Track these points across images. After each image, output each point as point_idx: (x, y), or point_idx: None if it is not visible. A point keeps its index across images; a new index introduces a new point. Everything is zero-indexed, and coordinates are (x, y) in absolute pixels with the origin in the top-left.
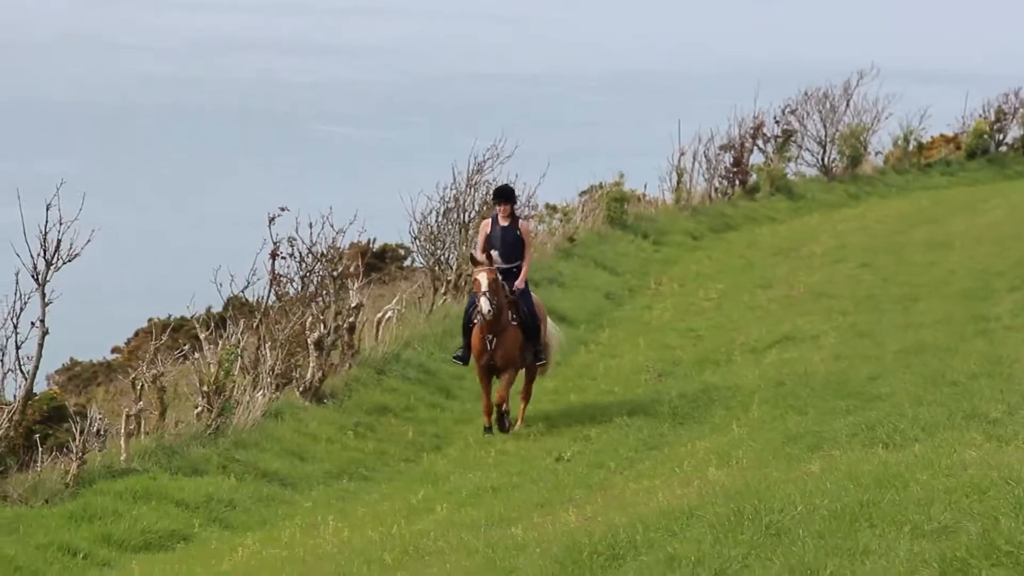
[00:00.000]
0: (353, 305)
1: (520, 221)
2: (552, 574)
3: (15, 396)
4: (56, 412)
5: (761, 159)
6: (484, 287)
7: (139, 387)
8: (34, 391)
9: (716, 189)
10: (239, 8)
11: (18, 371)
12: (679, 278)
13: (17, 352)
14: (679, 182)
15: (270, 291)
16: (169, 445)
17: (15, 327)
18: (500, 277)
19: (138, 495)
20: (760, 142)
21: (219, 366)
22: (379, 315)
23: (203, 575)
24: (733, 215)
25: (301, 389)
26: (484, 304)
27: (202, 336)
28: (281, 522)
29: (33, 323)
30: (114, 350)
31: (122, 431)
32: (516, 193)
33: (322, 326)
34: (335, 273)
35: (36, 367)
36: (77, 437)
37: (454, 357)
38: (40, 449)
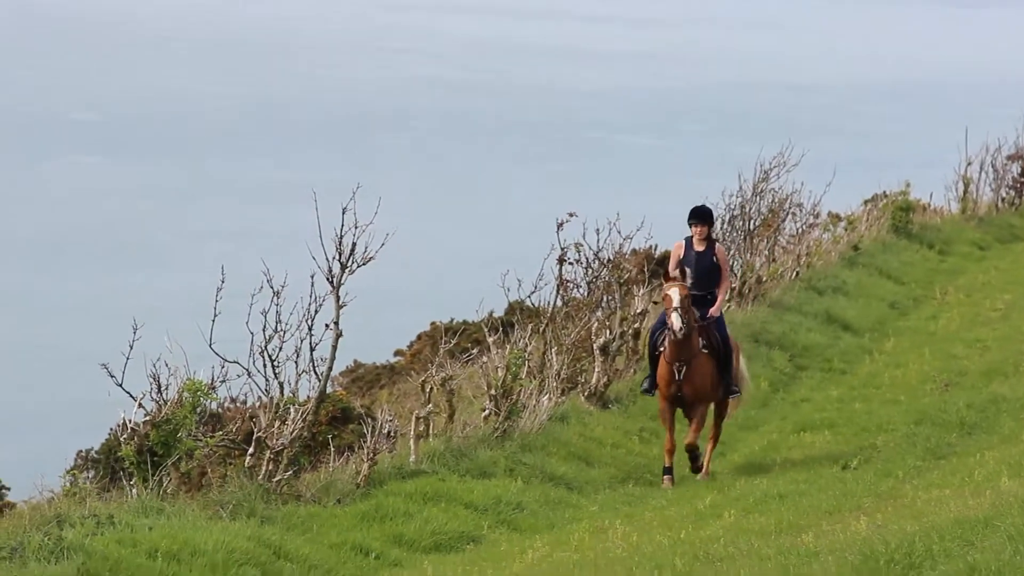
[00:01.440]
0: (638, 311)
1: (717, 245)
2: None
3: (309, 397)
4: (342, 413)
5: None
6: (675, 302)
7: (428, 389)
8: (326, 392)
9: (1003, 199)
10: (506, 12)
11: (312, 372)
12: (965, 288)
13: (311, 354)
14: (965, 192)
15: (557, 296)
16: (457, 447)
17: (310, 329)
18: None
19: (428, 496)
20: None
21: (507, 370)
22: None
23: None
24: (1020, 226)
25: (586, 394)
26: (675, 320)
27: (490, 340)
28: (568, 525)
29: (327, 325)
30: (396, 353)
31: (411, 433)
32: (714, 215)
33: (608, 331)
34: (621, 279)
35: (330, 369)
36: (368, 438)
37: (642, 390)
38: (332, 449)
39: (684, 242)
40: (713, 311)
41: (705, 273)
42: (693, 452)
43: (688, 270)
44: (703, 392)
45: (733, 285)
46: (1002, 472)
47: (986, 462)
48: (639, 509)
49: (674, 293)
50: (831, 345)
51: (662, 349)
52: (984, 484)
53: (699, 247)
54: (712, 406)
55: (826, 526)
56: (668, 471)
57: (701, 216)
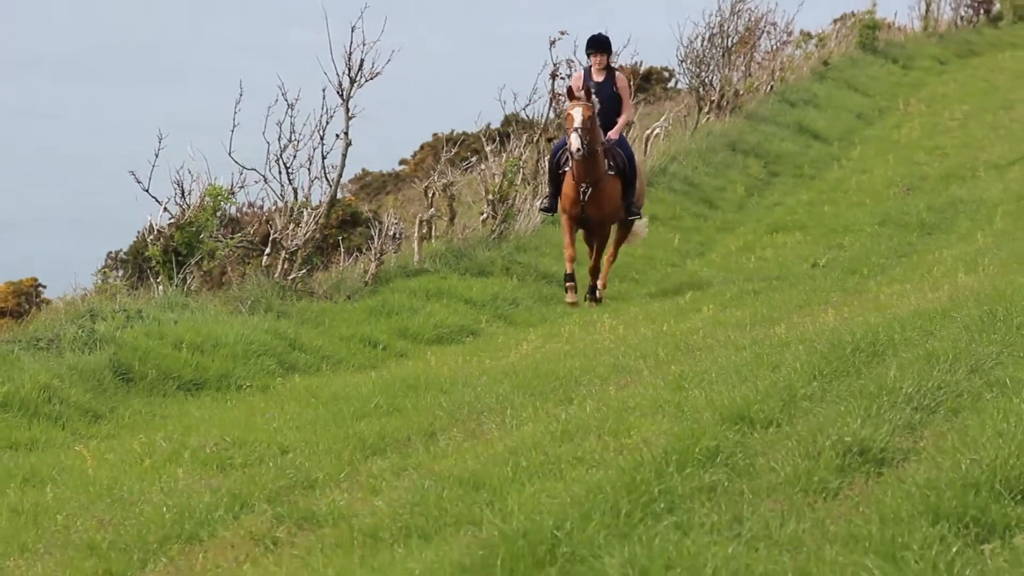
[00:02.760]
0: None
1: (617, 74)
2: (818, 368)
3: (320, 201)
4: (351, 217)
5: None
6: (577, 122)
7: (431, 195)
8: (337, 197)
9: (962, 17)
10: None
11: (323, 179)
12: (926, 100)
13: (323, 161)
14: (927, 10)
15: (550, 108)
16: (457, 248)
17: (321, 139)
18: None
19: (430, 293)
20: None
21: (503, 177)
22: (647, 132)
23: (492, 366)
24: (977, 42)
25: None
26: (574, 140)
27: (487, 149)
28: (559, 319)
29: (337, 135)
30: (401, 162)
31: (415, 235)
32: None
33: None
34: None
35: (340, 175)
36: (375, 239)
37: (541, 208)
38: (342, 250)
39: (583, 72)
40: (612, 134)
41: (606, 101)
42: (596, 275)
43: (594, 94)
44: (609, 213)
45: (632, 120)
46: (959, 268)
47: (944, 259)
48: (625, 304)
49: (576, 113)
50: (802, 153)
51: (567, 168)
52: (942, 279)
53: (598, 76)
54: (613, 229)
55: (797, 319)
56: (570, 278)
57: (599, 45)
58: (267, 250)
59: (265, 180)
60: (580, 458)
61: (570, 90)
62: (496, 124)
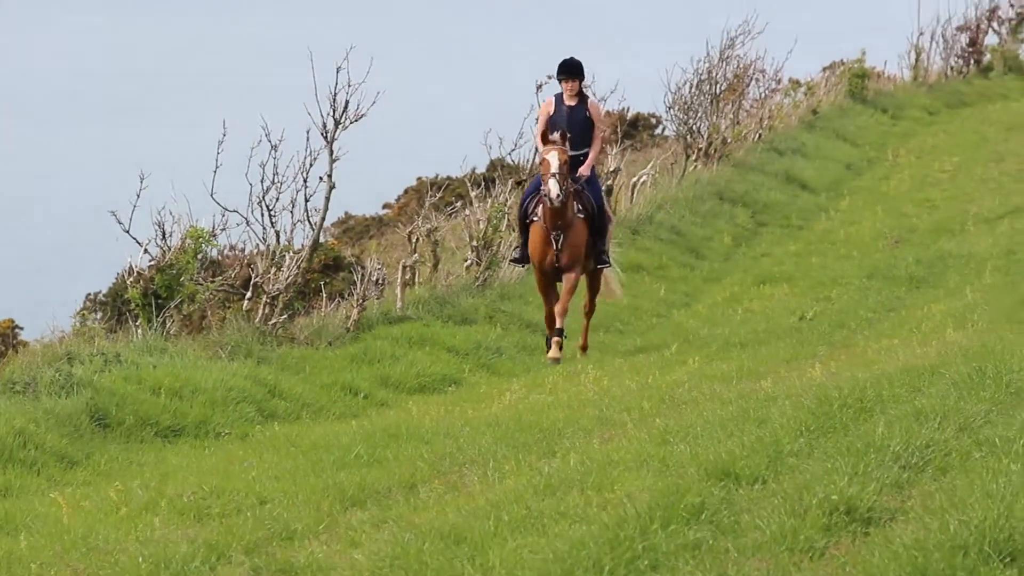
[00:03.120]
0: (611, 169)
1: (589, 100)
2: (805, 424)
3: (303, 245)
4: (334, 262)
5: (996, 40)
6: (553, 168)
7: (414, 240)
8: (319, 241)
9: (952, 68)
10: None
11: (306, 222)
12: (916, 151)
13: (306, 204)
14: (917, 60)
15: (535, 153)
16: (441, 295)
17: (304, 181)
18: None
19: (413, 341)
20: (995, 24)
21: (488, 223)
22: (634, 179)
23: (475, 416)
24: (968, 92)
25: None
26: (552, 187)
27: (472, 194)
28: (543, 370)
29: (321, 178)
30: (385, 206)
31: (398, 280)
32: (583, 68)
33: None
34: None
35: (323, 219)
36: (358, 285)
37: (511, 260)
38: (324, 295)
39: (554, 99)
40: (583, 170)
41: (578, 129)
42: (560, 319)
43: (564, 129)
44: (578, 257)
45: (603, 151)
46: (948, 324)
47: (933, 314)
48: (610, 356)
49: (552, 158)
50: (790, 203)
51: (535, 218)
52: (931, 335)
53: (570, 102)
54: (585, 279)
55: (784, 372)
56: (559, 332)
57: (570, 70)
58: (248, 294)
59: (247, 222)
60: (563, 513)
61: (544, 134)
62: (482, 168)
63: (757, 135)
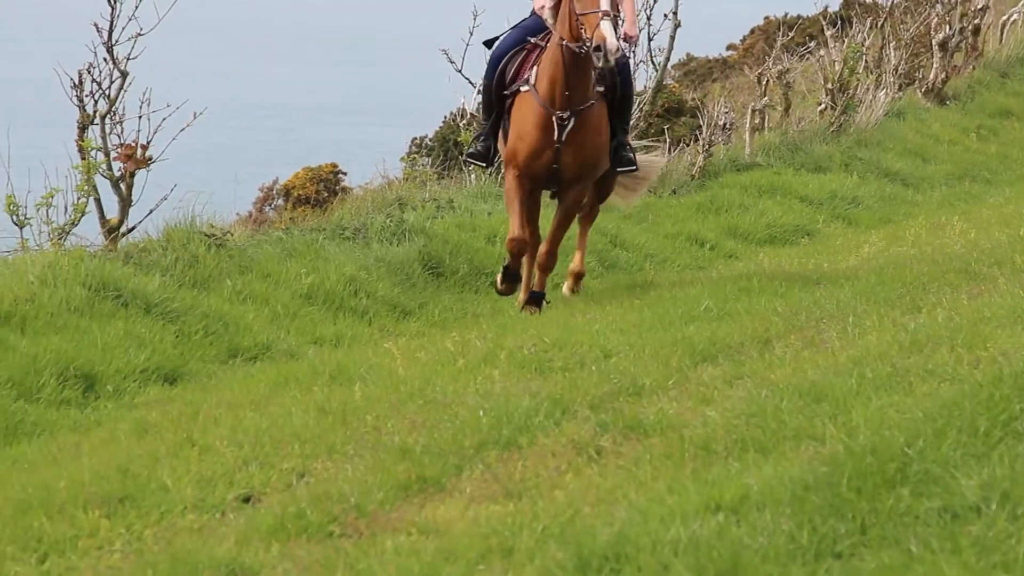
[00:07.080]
0: (979, 7)
1: None
2: None
3: (645, 87)
4: (674, 106)
5: None
6: (605, 3)
7: (764, 83)
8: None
9: None
10: None
11: (649, 63)
12: None
13: (649, 44)
14: None
15: None
16: (792, 141)
17: (647, 18)
18: None
19: (763, 189)
20: None
21: (844, 64)
22: (1004, 17)
23: (830, 270)
24: None
25: (923, 90)
26: (608, 33)
27: (828, 34)
28: (904, 221)
29: (665, 15)
30: (729, 47)
31: (747, 125)
32: None
33: (947, 27)
34: None
35: (666, 59)
36: (703, 130)
37: (468, 153)
38: (667, 140)
39: None
40: (628, 28)
41: None
42: (542, 273)
43: None
44: (589, 160)
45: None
46: None
47: None
48: (976, 206)
49: None
50: None
51: (524, 87)
52: None
53: None
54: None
55: None
56: (515, 276)
57: None
58: None
59: None
60: (931, 371)
61: None
62: (835, 7)
63: None
